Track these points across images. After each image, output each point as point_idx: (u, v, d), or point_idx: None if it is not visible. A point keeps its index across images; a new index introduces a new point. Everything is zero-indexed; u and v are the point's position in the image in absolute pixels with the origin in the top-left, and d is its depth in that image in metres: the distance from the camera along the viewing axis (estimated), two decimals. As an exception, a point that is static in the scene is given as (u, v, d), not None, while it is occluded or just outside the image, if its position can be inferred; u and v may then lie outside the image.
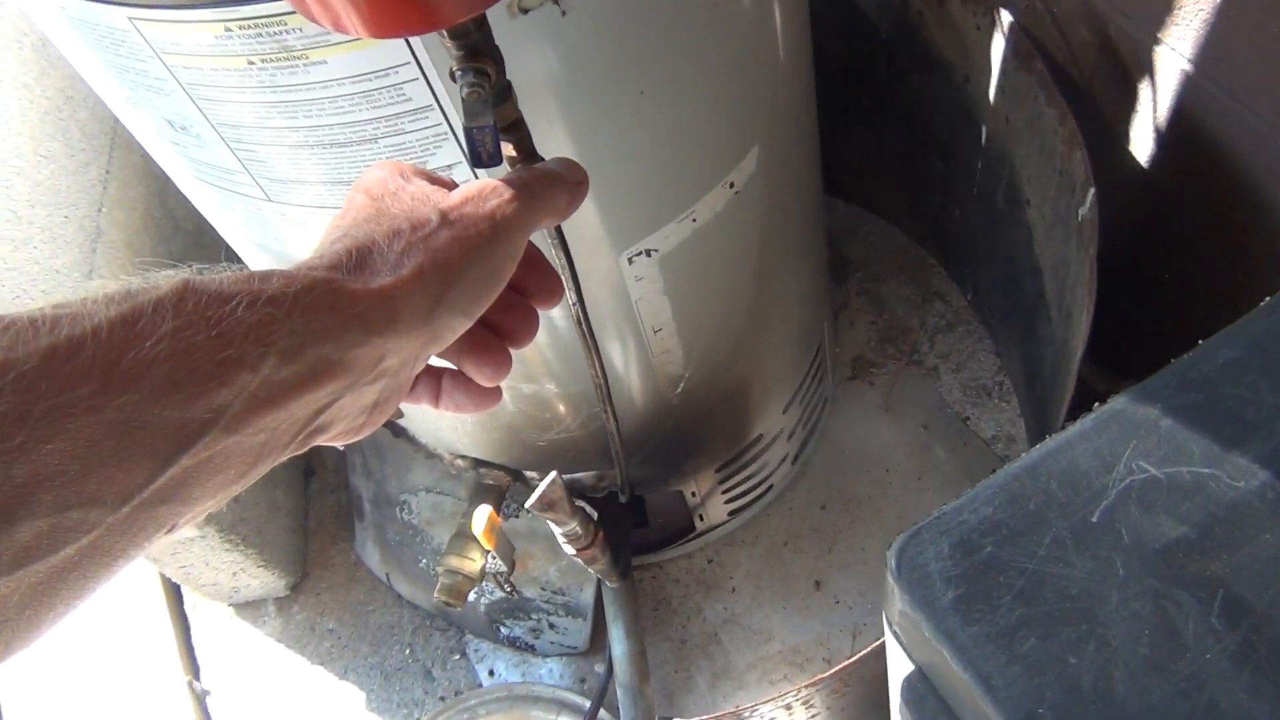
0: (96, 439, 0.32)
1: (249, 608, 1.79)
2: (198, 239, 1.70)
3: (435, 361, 0.53)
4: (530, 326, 0.55)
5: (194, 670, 1.74)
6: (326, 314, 0.40)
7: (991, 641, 0.48)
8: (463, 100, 0.54)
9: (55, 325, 0.33)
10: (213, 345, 0.35)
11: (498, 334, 0.54)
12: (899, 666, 0.55)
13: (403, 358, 0.44)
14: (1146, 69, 1.12)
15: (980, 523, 0.52)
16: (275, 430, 0.39)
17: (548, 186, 0.52)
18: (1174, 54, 1.06)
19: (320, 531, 1.83)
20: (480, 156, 0.55)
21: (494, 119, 0.54)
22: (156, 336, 0.34)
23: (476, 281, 0.47)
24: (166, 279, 0.37)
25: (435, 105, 0.72)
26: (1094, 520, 0.51)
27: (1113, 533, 0.51)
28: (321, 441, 0.45)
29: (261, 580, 1.70)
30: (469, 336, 0.52)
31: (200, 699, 1.71)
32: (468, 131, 0.54)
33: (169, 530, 0.37)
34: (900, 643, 0.53)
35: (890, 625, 0.55)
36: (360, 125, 0.74)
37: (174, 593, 1.80)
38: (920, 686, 0.53)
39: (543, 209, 0.51)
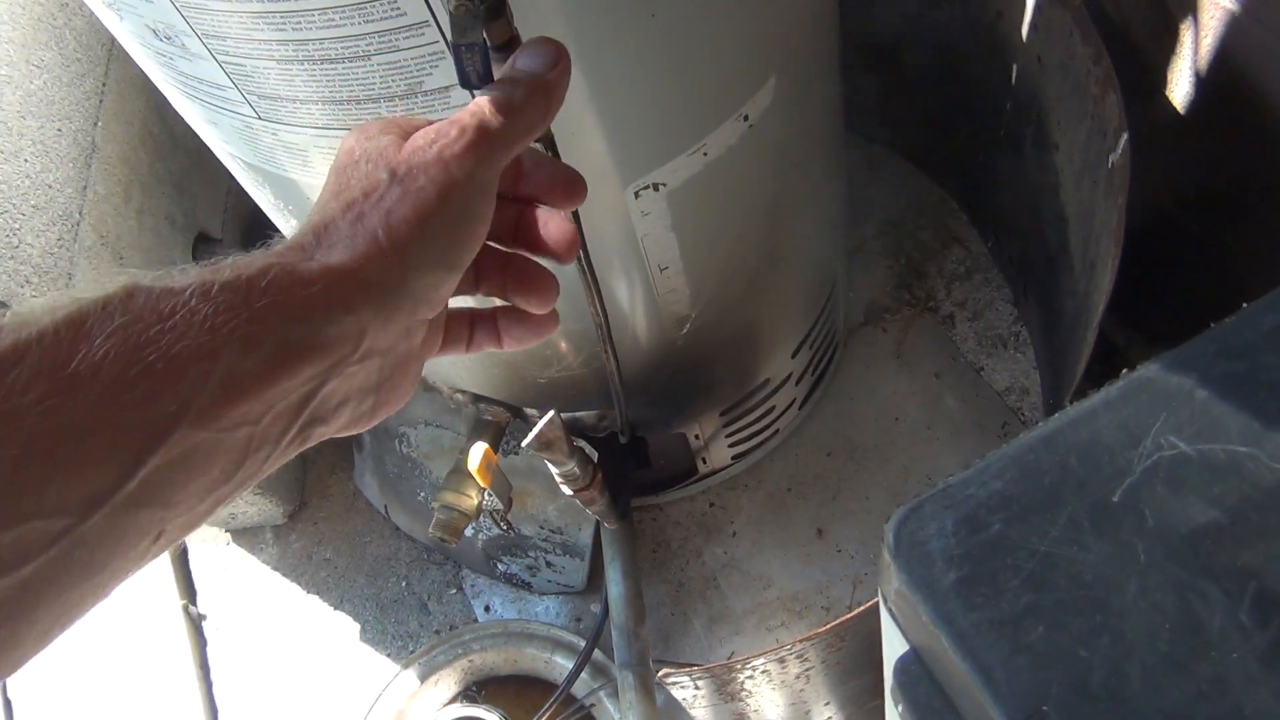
0: (51, 445, 0.31)
1: (246, 534, 1.78)
2: (198, 158, 1.66)
3: (485, 303, 0.52)
4: (564, 236, 0.50)
5: (190, 595, 1.74)
6: (284, 296, 0.38)
7: (995, 629, 0.44)
8: (450, 14, 0.50)
9: None
10: (166, 337, 0.34)
11: (536, 253, 0.51)
12: (894, 646, 0.52)
13: (390, 331, 0.42)
14: (1189, 7, 1.07)
15: (989, 498, 0.48)
16: (258, 424, 0.37)
17: (516, 100, 0.45)
18: (1221, -8, 1.01)
19: (319, 460, 1.82)
20: (469, 77, 0.51)
21: (485, 36, 0.50)
22: (106, 334, 0.33)
23: (444, 233, 0.42)
24: (113, 279, 0.35)
25: (432, 21, 0.68)
26: (1115, 500, 0.47)
27: (1135, 514, 0.47)
28: (329, 433, 0.43)
29: (259, 507, 1.69)
30: (509, 269, 0.50)
31: (196, 623, 1.71)
32: (455, 49, 0.50)
33: (158, 537, 0.36)
34: (896, 622, 0.50)
35: (885, 603, 0.51)
36: (352, 40, 0.70)
37: (171, 516, 1.79)
38: (915, 669, 0.49)
39: (511, 131, 0.44)
